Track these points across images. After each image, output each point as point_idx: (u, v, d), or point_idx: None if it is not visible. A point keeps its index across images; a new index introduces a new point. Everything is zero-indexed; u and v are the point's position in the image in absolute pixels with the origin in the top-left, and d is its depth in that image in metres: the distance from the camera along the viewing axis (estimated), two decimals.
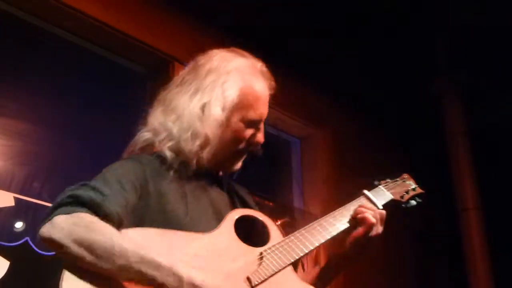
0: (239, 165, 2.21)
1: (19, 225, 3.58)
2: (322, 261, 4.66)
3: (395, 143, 6.19)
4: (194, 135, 2.02)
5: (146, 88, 4.39)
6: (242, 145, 2.14)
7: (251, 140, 2.15)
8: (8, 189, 3.60)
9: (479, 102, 6.35)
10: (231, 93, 2.07)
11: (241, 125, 2.10)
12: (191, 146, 2.02)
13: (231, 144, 2.11)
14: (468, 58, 6.01)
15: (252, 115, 2.11)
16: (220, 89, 2.07)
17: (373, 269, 4.97)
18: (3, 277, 3.43)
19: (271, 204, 4.79)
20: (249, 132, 2.13)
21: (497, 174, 6.15)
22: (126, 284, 1.63)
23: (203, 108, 2.05)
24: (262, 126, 2.18)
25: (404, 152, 6.10)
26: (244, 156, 2.21)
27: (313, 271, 2.26)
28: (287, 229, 2.11)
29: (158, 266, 1.62)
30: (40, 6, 3.77)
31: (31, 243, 3.55)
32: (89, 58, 4.21)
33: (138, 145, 2.11)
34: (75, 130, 4.01)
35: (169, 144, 2.04)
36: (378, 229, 2.12)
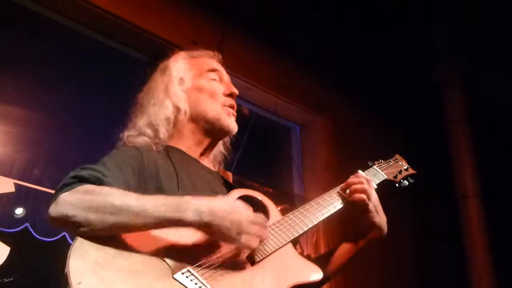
0: None
1: (19, 211, 3.58)
2: (322, 249, 4.64)
3: (395, 130, 6.19)
4: None
5: (146, 75, 4.38)
6: None
7: None
8: (8, 175, 3.60)
9: (480, 89, 6.35)
10: None
11: None
12: None
13: None
14: (468, 45, 6.00)
15: None
16: None
17: (372, 257, 4.98)
18: (3, 263, 3.44)
19: (271, 190, 4.79)
20: None
21: (497, 161, 6.16)
22: (142, 236, 1.66)
23: None
24: None
25: (404, 139, 6.10)
26: None
27: (321, 255, 2.34)
28: None
29: (177, 207, 1.66)
30: None
31: (31, 229, 3.56)
32: (89, 44, 4.20)
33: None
34: (76, 117, 4.01)
35: None
36: (373, 194, 2.15)
